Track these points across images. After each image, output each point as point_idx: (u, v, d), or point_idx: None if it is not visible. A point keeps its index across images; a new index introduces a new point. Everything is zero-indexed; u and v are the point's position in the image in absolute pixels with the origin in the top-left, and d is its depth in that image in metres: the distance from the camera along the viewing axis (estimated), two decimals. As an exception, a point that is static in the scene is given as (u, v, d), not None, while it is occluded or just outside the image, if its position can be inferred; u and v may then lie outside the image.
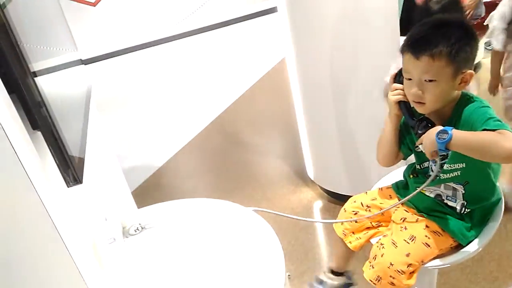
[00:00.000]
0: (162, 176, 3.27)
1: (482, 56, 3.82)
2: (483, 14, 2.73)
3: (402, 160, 1.48)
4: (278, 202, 2.69)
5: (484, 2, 2.74)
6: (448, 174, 1.29)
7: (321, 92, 2.27)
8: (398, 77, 1.33)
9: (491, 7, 2.71)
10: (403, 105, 1.31)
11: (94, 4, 6.52)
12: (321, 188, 2.69)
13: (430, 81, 1.20)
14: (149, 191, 3.05)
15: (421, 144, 1.25)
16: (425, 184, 1.22)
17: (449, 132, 1.10)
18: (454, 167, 1.28)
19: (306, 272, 2.16)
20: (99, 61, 6.41)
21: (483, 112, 1.17)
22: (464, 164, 1.26)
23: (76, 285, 0.81)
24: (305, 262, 2.23)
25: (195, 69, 5.35)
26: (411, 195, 1.27)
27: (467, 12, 2.69)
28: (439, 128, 1.15)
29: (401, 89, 1.30)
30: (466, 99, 1.24)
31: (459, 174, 1.27)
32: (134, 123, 4.29)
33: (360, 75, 2.13)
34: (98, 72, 6.06)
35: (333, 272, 1.59)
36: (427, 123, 1.24)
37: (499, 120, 1.14)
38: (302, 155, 2.70)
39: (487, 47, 4.04)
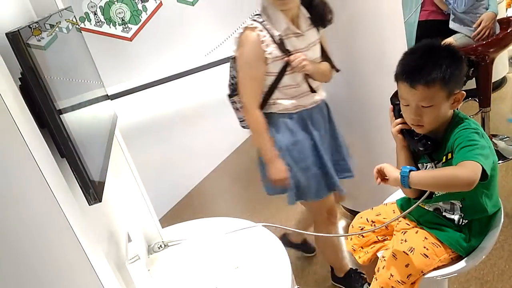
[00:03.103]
0: (194, 198, 3.43)
1: (507, 71, 3.81)
2: (498, 31, 2.76)
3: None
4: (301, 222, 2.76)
5: (498, 20, 2.77)
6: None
7: (336, 114, 2.36)
8: (396, 111, 1.42)
9: (505, 24, 2.75)
10: (405, 132, 1.40)
11: (130, 39, 6.93)
12: (344, 207, 2.75)
13: (428, 106, 1.27)
14: (181, 212, 3.21)
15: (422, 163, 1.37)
16: (420, 201, 1.30)
17: (406, 175, 1.21)
18: None
19: (329, 289, 2.23)
20: (138, 91, 6.77)
21: (465, 138, 1.23)
22: None
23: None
24: (327, 280, 2.28)
25: (224, 96, 5.56)
26: (408, 210, 1.35)
27: (486, 31, 2.73)
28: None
29: (399, 122, 1.39)
30: (457, 120, 1.32)
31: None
32: (167, 149, 4.51)
33: (371, 99, 2.21)
34: (136, 102, 6.40)
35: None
36: (427, 141, 1.35)
37: (476, 146, 1.20)
38: (324, 176, 2.78)
39: (513, 62, 4.02)
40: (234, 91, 1.83)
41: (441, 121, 1.32)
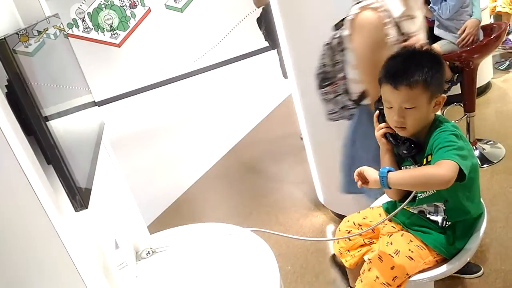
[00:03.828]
0: (183, 204, 3.43)
1: (492, 76, 3.88)
2: (481, 38, 2.81)
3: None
4: (290, 226, 2.78)
5: (481, 26, 2.83)
6: (425, 193, 1.39)
7: (325, 123, 2.38)
8: (380, 116, 1.44)
9: (489, 30, 2.81)
10: (389, 135, 1.43)
11: (119, 45, 6.94)
12: (332, 212, 2.77)
13: (410, 108, 1.30)
14: (170, 219, 3.20)
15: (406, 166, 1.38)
16: (404, 204, 1.32)
17: (384, 176, 1.23)
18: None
19: (317, 293, 2.24)
20: (127, 97, 6.80)
21: (442, 139, 1.26)
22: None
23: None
24: (316, 284, 2.29)
25: (213, 102, 5.60)
26: (393, 213, 1.37)
27: (470, 37, 2.78)
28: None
29: (383, 126, 1.41)
30: (437, 123, 1.35)
31: (434, 191, 1.37)
32: (156, 155, 4.52)
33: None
34: (124, 108, 6.41)
35: None
36: (410, 144, 1.37)
37: (453, 146, 1.22)
38: (313, 181, 2.80)
39: (498, 68, 4.10)
40: (325, 80, 1.71)
41: (423, 124, 1.35)
